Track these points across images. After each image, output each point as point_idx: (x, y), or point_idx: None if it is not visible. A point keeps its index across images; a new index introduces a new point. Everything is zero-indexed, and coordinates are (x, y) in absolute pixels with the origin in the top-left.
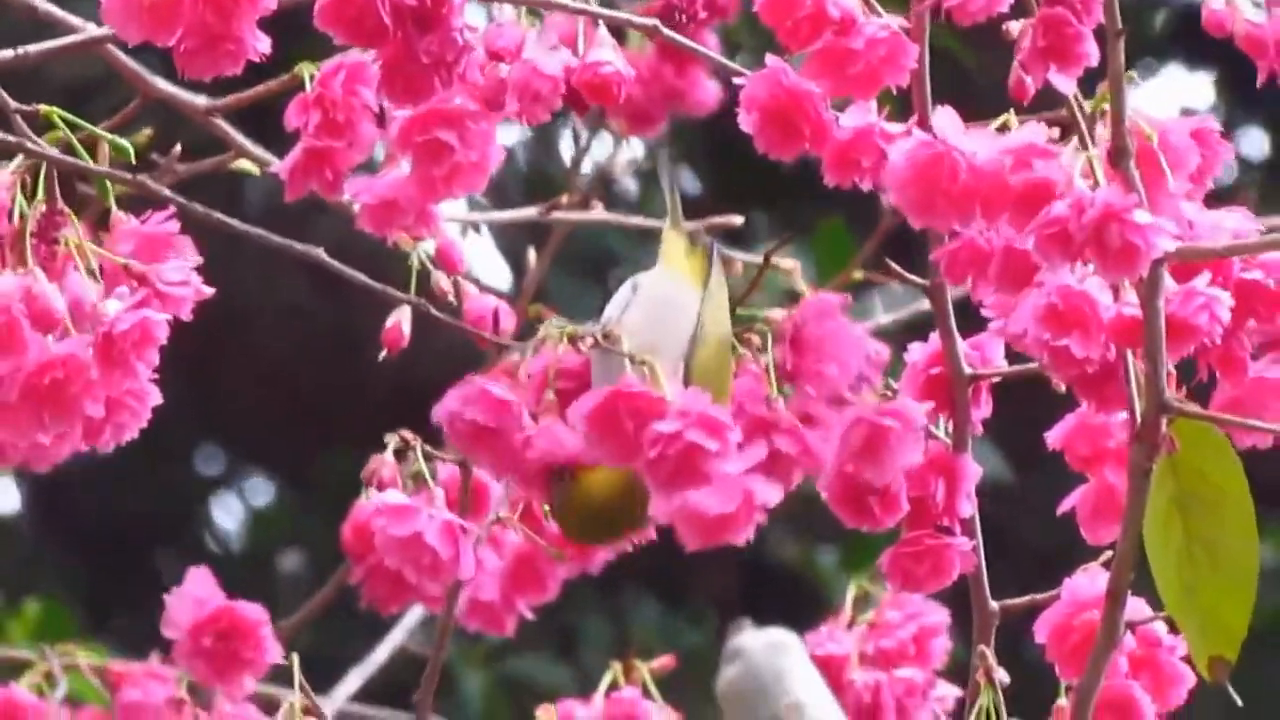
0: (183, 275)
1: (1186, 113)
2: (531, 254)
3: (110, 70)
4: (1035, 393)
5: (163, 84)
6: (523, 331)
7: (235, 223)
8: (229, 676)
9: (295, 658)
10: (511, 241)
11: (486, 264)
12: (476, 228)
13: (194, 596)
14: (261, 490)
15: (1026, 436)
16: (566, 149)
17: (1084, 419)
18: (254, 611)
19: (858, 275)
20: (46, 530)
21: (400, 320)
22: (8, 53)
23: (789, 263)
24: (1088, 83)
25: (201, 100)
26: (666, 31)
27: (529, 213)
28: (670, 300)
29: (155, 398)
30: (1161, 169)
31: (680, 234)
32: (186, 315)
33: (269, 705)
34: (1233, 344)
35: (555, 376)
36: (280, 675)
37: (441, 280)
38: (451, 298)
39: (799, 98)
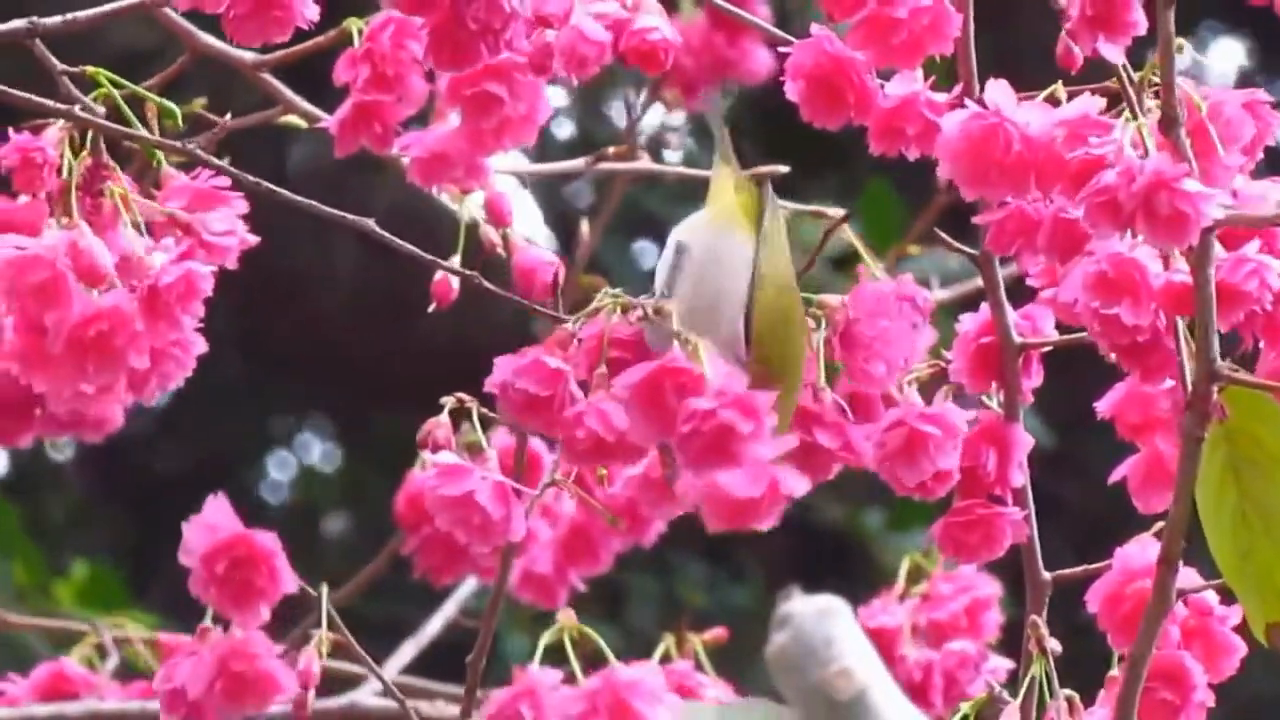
0: (228, 225)
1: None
2: (584, 225)
3: (162, 38)
4: (1077, 363)
5: (211, 40)
6: (576, 303)
7: (285, 192)
8: (243, 604)
9: (324, 589)
10: (559, 211)
11: (533, 231)
12: (524, 181)
13: (209, 524)
14: (315, 450)
15: (1069, 406)
16: (618, 117)
17: (1133, 388)
18: (268, 539)
19: (913, 249)
20: (96, 483)
21: (448, 275)
22: (57, 18)
23: (837, 211)
24: (1136, 52)
25: (250, 56)
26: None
27: (577, 164)
28: (720, 257)
29: (200, 347)
30: (1211, 139)
31: (730, 171)
32: (232, 264)
33: (330, 676)
34: (1278, 314)
35: (608, 347)
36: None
37: (490, 234)
38: (500, 250)
39: (844, 66)
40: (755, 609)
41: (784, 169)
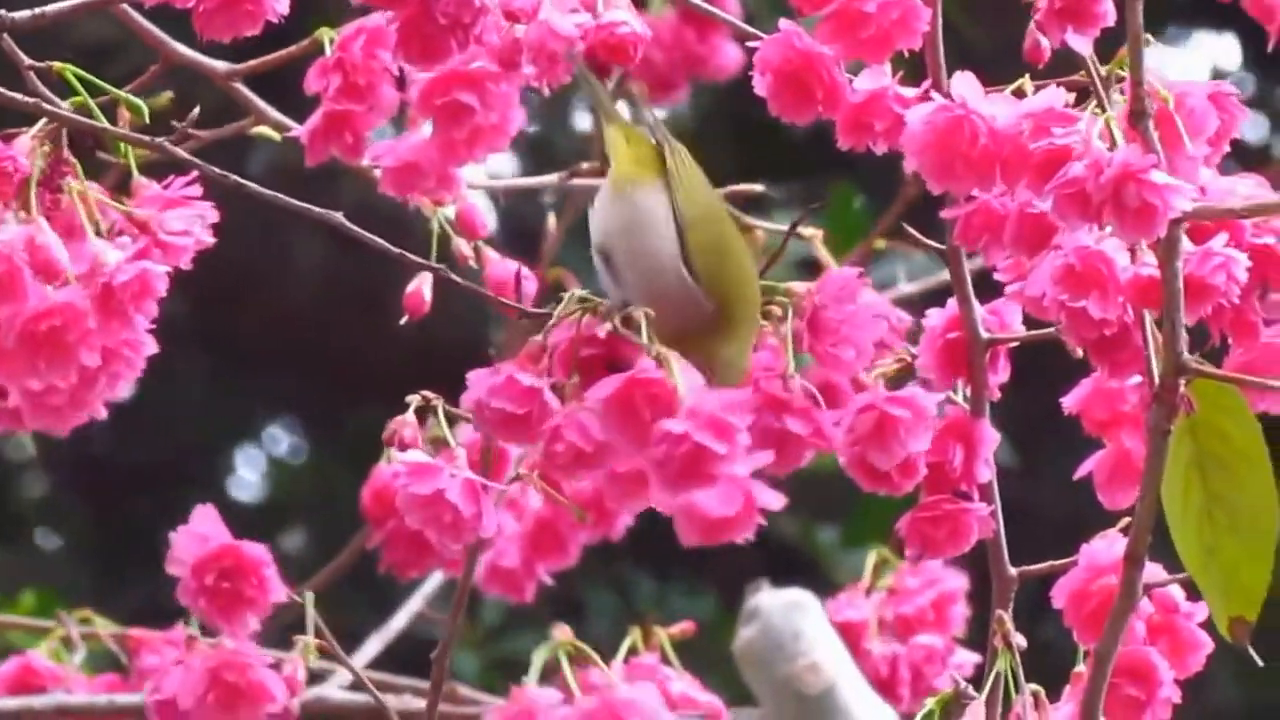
0: (185, 225)
1: (1218, 76)
2: (551, 220)
3: (129, 32)
4: (1038, 361)
5: (183, 49)
6: (543, 298)
7: (255, 186)
8: (232, 615)
9: (309, 596)
10: (522, 214)
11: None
12: (497, 199)
13: (198, 534)
14: (284, 444)
15: (1031, 406)
16: (581, 121)
17: (1099, 383)
18: (257, 550)
19: (879, 244)
20: (61, 476)
21: (421, 286)
22: (25, 13)
23: (811, 231)
24: (1101, 48)
25: (221, 65)
26: None
27: (549, 179)
28: (640, 226)
29: (151, 348)
30: (1179, 131)
31: (616, 127)
32: (187, 265)
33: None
34: (1245, 308)
35: (578, 353)
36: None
37: (463, 246)
38: (473, 263)
39: (812, 61)
40: (710, 622)
41: (759, 188)
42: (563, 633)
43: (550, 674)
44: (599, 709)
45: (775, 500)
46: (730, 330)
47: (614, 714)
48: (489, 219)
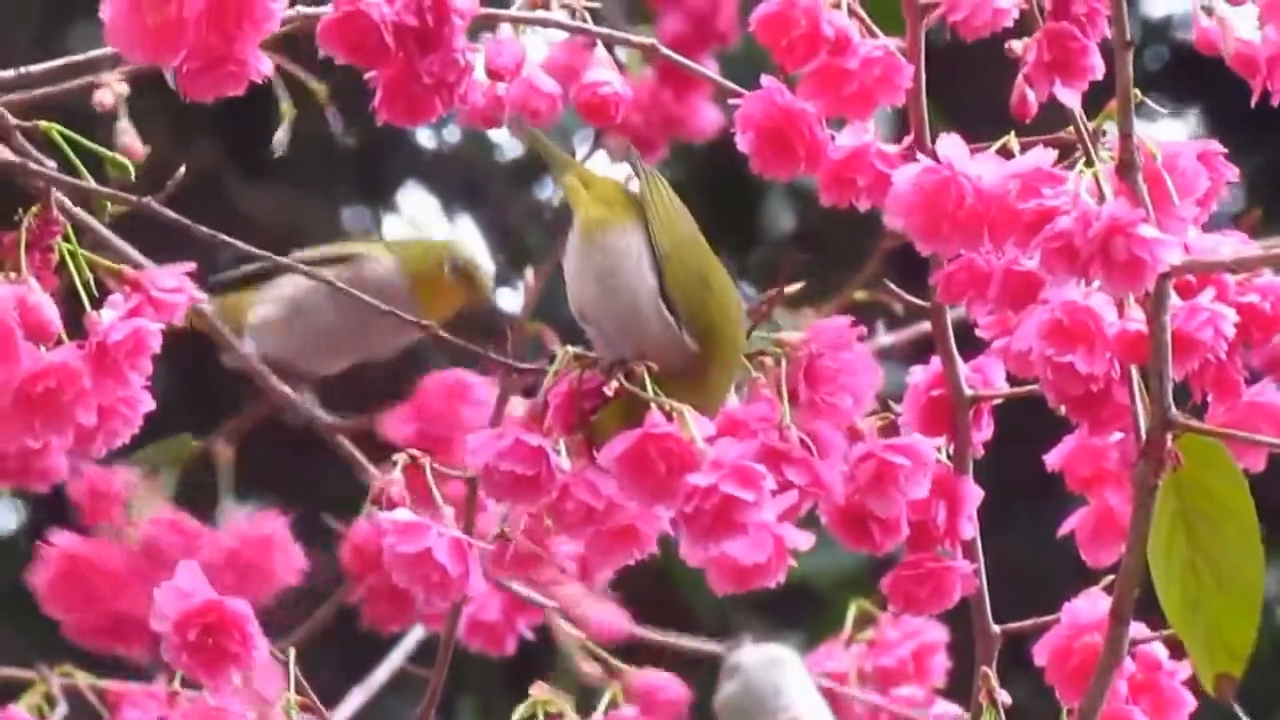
0: (177, 282)
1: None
2: (529, 272)
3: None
4: (1019, 418)
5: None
6: (525, 349)
7: (237, 243)
8: (215, 670)
9: (291, 653)
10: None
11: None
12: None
13: (181, 590)
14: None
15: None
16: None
17: (1083, 440)
18: (241, 606)
19: (859, 295)
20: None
21: None
22: (10, 72)
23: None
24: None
25: None
26: (665, 51)
27: None
28: (614, 271)
29: (147, 405)
30: (1166, 186)
31: (571, 175)
32: (180, 321)
33: None
34: (1228, 366)
35: (582, 416)
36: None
37: None
38: None
39: (794, 117)
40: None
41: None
42: (539, 690)
43: None
44: None
45: (804, 540)
46: (713, 372)
47: None
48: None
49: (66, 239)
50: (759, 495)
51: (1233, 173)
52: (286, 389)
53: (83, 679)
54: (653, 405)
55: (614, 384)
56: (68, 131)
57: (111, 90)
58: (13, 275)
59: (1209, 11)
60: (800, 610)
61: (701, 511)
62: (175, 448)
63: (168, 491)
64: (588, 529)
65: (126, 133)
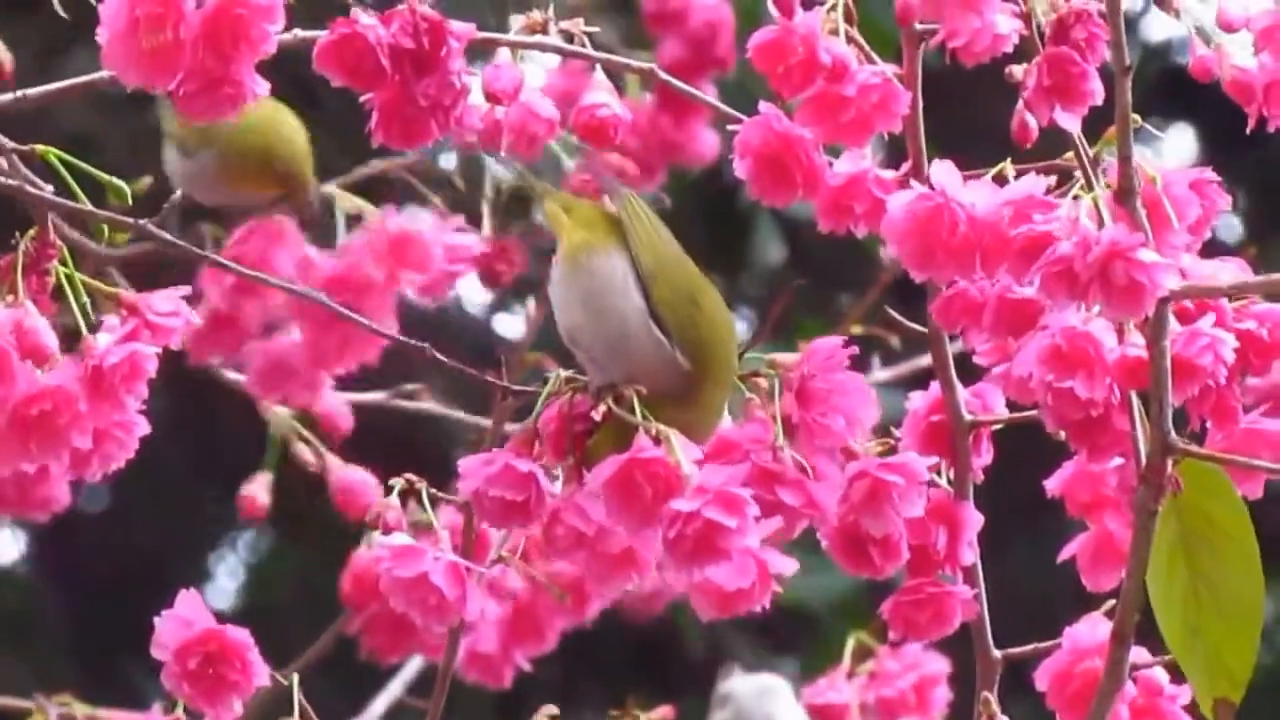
0: (173, 306)
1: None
2: (530, 302)
3: (107, 119)
4: (1018, 444)
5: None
6: (525, 376)
7: (236, 267)
8: (216, 699)
9: (295, 678)
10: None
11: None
12: None
13: (181, 618)
14: (260, 541)
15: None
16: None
17: (1082, 466)
18: (241, 634)
19: (856, 329)
20: (47, 580)
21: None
22: (7, 96)
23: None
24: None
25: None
26: (664, 75)
27: None
28: (600, 294)
29: (143, 429)
30: (1165, 211)
31: (551, 202)
32: (176, 345)
33: None
34: (1226, 393)
35: (573, 440)
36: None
37: (306, 453)
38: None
39: (791, 143)
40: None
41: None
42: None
43: None
44: None
45: (788, 566)
46: (706, 390)
47: None
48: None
49: (64, 263)
50: (743, 521)
51: (1226, 200)
52: None
53: (80, 709)
54: (640, 429)
55: (602, 408)
56: (66, 155)
57: None
58: (9, 299)
59: (1205, 39)
60: (794, 635)
61: (684, 537)
62: None
63: None
64: (579, 553)
65: None
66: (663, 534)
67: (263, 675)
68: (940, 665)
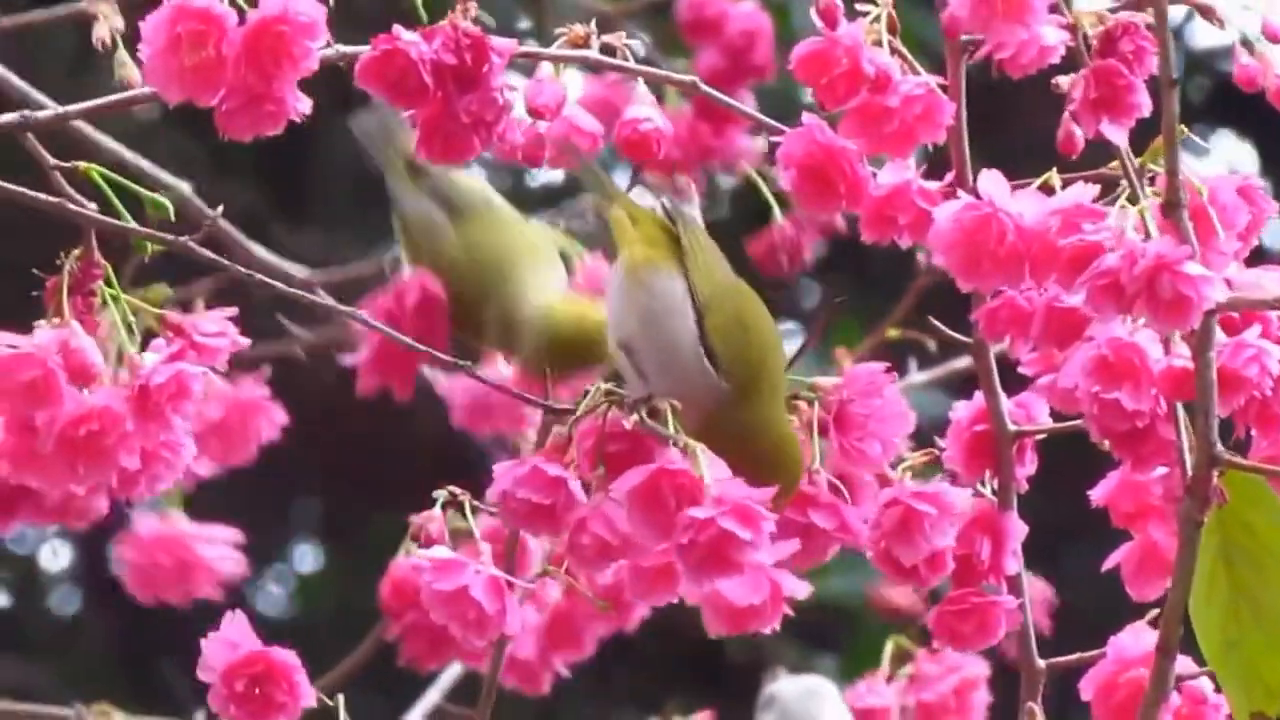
0: (219, 327)
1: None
2: None
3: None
4: (1062, 454)
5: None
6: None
7: (278, 284)
8: None
9: (340, 699)
10: None
11: None
12: None
13: (228, 640)
14: (309, 556)
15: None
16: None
17: (1126, 476)
18: (288, 656)
19: (893, 333)
20: (92, 591)
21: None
22: (49, 112)
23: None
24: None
25: (298, 271)
26: (705, 88)
27: None
28: (654, 310)
29: (190, 450)
30: (1212, 224)
31: (619, 209)
32: (222, 366)
33: None
34: (1271, 404)
35: (604, 448)
36: None
37: None
38: None
39: (835, 154)
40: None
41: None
42: None
43: None
44: None
45: (802, 589)
46: (754, 402)
47: None
48: None
49: (108, 283)
50: (757, 535)
51: (1273, 207)
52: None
53: (119, 718)
54: (670, 441)
55: (634, 419)
56: (108, 172)
57: (106, 23)
58: (55, 320)
59: (1249, 48)
60: (833, 633)
61: (696, 544)
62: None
63: None
64: (604, 563)
65: (125, 65)
66: (675, 539)
67: (309, 696)
68: (980, 669)
